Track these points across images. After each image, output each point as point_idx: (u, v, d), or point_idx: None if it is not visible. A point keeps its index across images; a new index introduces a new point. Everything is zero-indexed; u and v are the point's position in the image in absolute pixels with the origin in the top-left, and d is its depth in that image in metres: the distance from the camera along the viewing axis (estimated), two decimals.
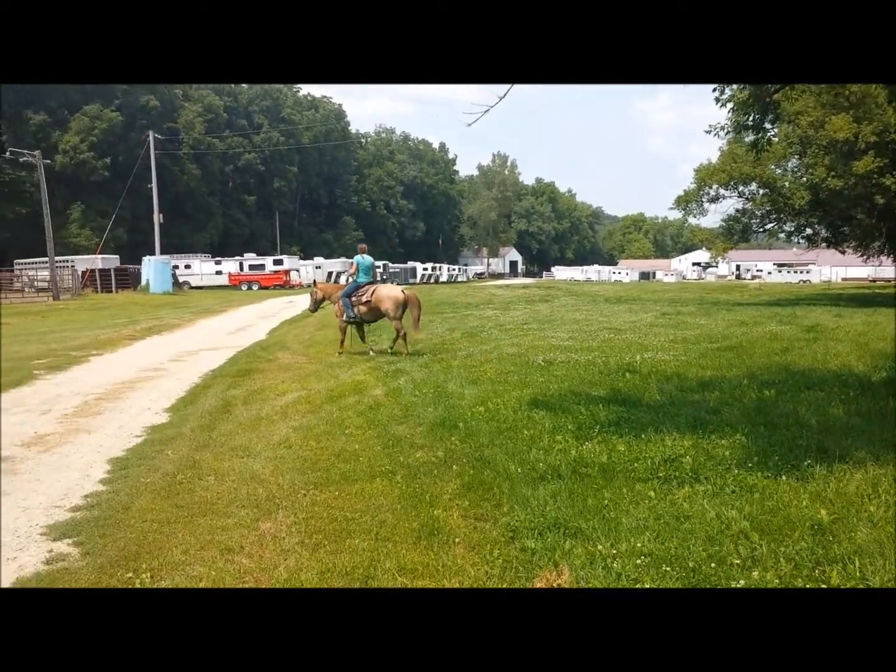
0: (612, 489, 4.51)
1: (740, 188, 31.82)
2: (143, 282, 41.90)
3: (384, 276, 54.46)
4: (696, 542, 3.64)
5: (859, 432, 5.58)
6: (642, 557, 3.50)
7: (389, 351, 11.95)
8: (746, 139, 20.67)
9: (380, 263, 56.87)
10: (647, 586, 3.24)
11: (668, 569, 3.38)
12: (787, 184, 30.95)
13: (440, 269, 75.79)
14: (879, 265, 46.08)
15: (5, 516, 4.62)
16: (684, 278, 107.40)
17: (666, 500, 4.29)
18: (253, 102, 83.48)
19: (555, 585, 3.32)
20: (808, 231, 34.05)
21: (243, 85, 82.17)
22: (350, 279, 12.54)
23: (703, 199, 32.15)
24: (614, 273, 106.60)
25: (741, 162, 29.56)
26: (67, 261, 44.43)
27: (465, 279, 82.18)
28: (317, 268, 56.39)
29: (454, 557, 3.69)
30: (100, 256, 45.11)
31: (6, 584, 3.62)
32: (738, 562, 3.42)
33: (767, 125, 18.15)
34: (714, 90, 12.75)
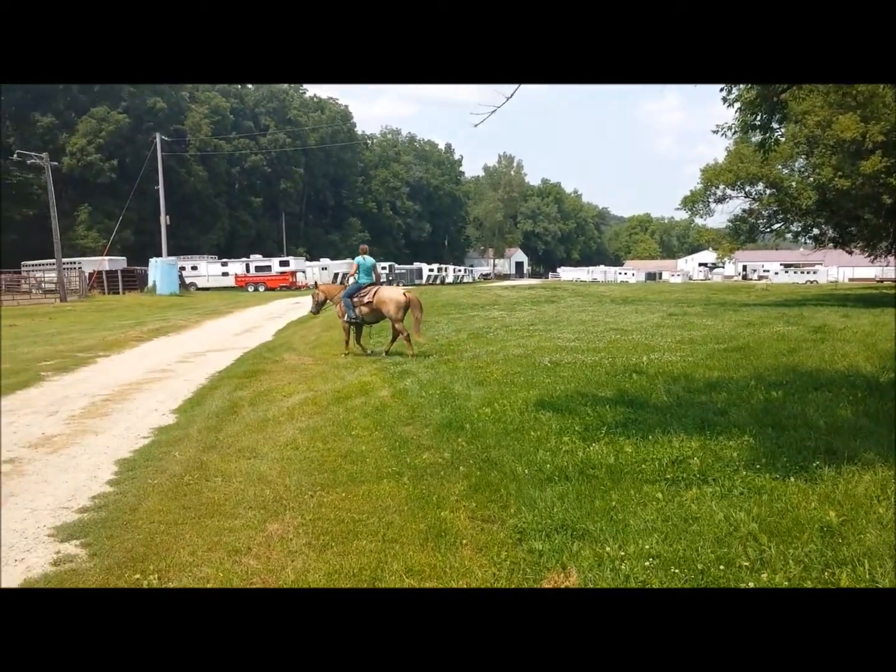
0: (619, 491, 4.50)
1: (747, 188, 31.67)
2: (150, 283, 42.01)
3: (390, 278, 54.39)
4: (705, 544, 3.63)
5: (868, 433, 5.55)
6: (650, 559, 3.48)
7: (384, 355, 11.84)
8: (753, 139, 20.57)
9: (385, 264, 56.83)
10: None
11: (676, 571, 3.36)
12: (794, 184, 30.77)
13: (446, 270, 75.75)
14: (887, 265, 45.86)
15: (13, 518, 4.65)
16: (691, 279, 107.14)
17: (674, 502, 4.27)
18: (259, 104, 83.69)
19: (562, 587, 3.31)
20: (815, 231, 33.82)
21: (250, 86, 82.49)
22: (351, 280, 12.53)
23: (710, 200, 32.01)
24: (620, 274, 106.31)
25: (748, 162, 29.43)
26: (75, 262, 44.70)
27: (470, 280, 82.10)
28: (323, 269, 56.27)
29: (461, 559, 3.69)
30: (107, 258, 45.35)
31: (15, 585, 3.63)
32: (746, 564, 3.40)
33: (775, 125, 18.04)
34: (721, 90, 12.69)
